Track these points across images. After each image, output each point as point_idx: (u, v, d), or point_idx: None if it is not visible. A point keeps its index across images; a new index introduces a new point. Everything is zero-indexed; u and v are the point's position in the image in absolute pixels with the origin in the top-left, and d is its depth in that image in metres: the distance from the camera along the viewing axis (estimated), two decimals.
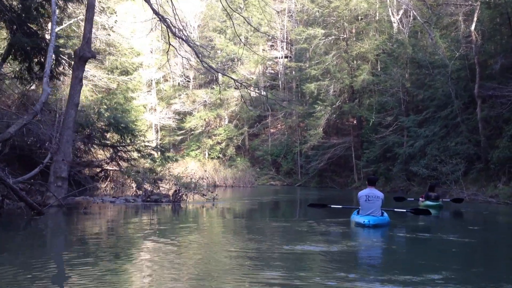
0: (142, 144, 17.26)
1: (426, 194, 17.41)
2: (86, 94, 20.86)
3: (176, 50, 16.18)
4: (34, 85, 18.11)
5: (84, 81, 22.59)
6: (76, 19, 21.93)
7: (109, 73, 26.83)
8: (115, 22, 21.96)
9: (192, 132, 48.71)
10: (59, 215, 11.96)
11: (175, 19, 12.07)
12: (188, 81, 51.40)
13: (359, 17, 37.96)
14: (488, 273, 6.15)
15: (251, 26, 30.82)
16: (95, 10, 14.93)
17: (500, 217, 15.10)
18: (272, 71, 54.64)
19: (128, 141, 16.98)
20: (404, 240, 9.31)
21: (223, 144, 46.76)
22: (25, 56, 14.64)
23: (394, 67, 31.04)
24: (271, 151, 45.45)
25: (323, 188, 36.10)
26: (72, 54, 13.94)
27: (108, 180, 18.97)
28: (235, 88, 48.28)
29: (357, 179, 35.58)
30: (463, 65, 25.14)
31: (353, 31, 38.06)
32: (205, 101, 47.89)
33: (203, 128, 48.01)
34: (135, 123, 29.49)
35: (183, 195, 15.06)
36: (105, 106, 16.97)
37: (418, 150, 25.54)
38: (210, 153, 46.91)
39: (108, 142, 17.06)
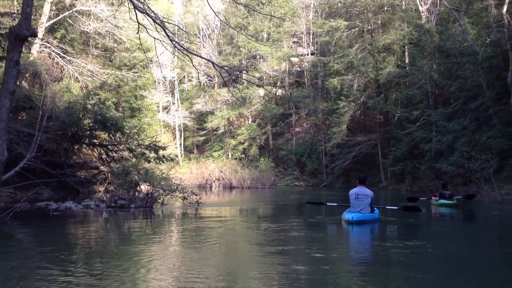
0: (135, 143, 15.81)
1: (441, 193, 16.78)
2: (78, 90, 19.66)
3: (159, 39, 14.38)
4: None
5: (79, 77, 21.60)
6: None
7: (117, 70, 25.70)
8: (113, 14, 20.83)
9: (215, 132, 47.53)
10: None
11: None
12: (210, 80, 50.14)
13: (385, 7, 35.87)
14: None
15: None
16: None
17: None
18: (299, 69, 52.81)
19: (119, 139, 15.60)
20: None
21: (246, 144, 45.35)
22: None
23: (421, 58, 28.93)
24: (295, 150, 43.78)
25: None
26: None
27: (107, 182, 17.56)
28: (258, 86, 47.14)
29: (384, 178, 33.54)
30: (494, 52, 22.93)
31: (379, 22, 35.93)
32: (227, 100, 46.55)
33: (226, 128, 46.69)
34: (142, 120, 28.43)
35: (158, 199, 13.58)
36: (92, 102, 15.49)
37: (447, 146, 23.37)
38: (233, 153, 45.58)
39: (96, 141, 15.70)
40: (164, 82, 48.86)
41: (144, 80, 27.56)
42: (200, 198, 14.46)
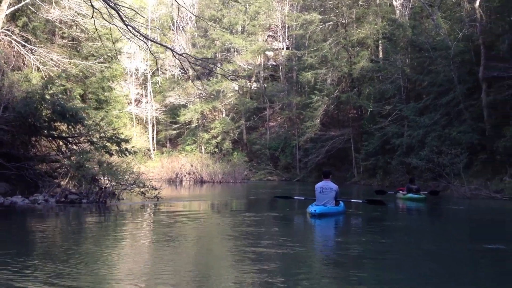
0: (96, 135, 15.13)
1: (408, 187, 17.01)
2: (38, 80, 18.80)
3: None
4: None
5: (41, 67, 20.78)
6: None
7: (83, 60, 24.85)
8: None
9: (188, 126, 46.79)
10: None
11: None
12: (184, 73, 49.34)
13: (359, 1, 35.64)
14: None
15: None
16: None
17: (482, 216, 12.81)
18: (274, 63, 52.34)
19: (79, 131, 14.90)
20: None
21: (219, 138, 44.80)
22: None
23: (394, 53, 28.81)
24: (269, 144, 43.42)
25: None
26: None
27: (69, 176, 16.80)
28: (226, 77, 46.60)
29: (356, 173, 33.42)
30: (467, 47, 22.83)
31: (353, 16, 35.70)
32: (201, 93, 45.85)
33: (199, 121, 46.02)
34: (110, 113, 27.63)
35: (113, 194, 12.96)
36: (51, 91, 14.73)
37: (418, 141, 23.25)
38: (206, 147, 44.99)
39: (55, 133, 14.97)
40: (137, 74, 47.93)
41: (112, 71, 26.72)
42: (159, 192, 13.84)
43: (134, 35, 8.81)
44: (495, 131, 19.96)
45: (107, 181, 13.21)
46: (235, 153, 44.08)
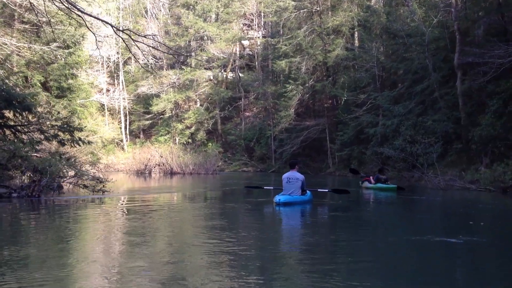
0: (48, 123, 14.03)
1: (377, 177, 17.04)
2: None
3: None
4: None
5: None
6: None
7: (44, 45, 23.56)
8: None
9: (161, 116, 45.55)
10: None
11: None
12: (157, 62, 48.04)
13: None
14: None
15: None
16: None
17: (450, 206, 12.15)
18: (250, 52, 51.28)
19: (27, 118, 13.78)
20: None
21: (193, 129, 43.74)
22: None
23: (369, 40, 28.11)
24: (244, 135, 42.51)
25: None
26: None
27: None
28: (205, 69, 45.51)
29: (332, 164, 32.78)
30: (442, 33, 22.27)
31: (328, 3, 34.91)
32: (174, 82, 44.65)
33: (172, 111, 44.80)
34: (74, 102, 26.43)
35: (60, 187, 11.81)
36: None
37: (392, 130, 22.60)
38: (180, 138, 43.86)
39: (1, 121, 13.83)
40: (108, 63, 46.46)
41: (76, 58, 25.43)
42: (104, 186, 12.56)
43: (72, 10, 7.79)
44: (471, 119, 19.41)
45: (36, 175, 11.78)
46: (210, 144, 43.10)
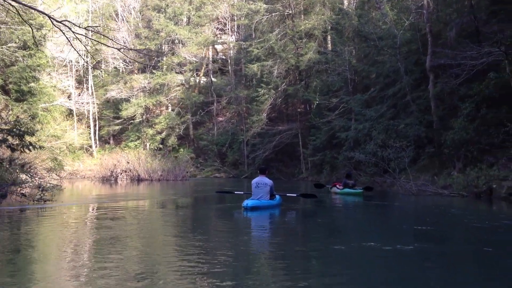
0: None
1: (344, 182, 17.12)
2: None
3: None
4: None
5: None
6: None
7: (2, 46, 22.47)
8: None
9: (131, 121, 44.38)
10: None
11: None
12: (127, 66, 46.92)
13: None
14: None
15: None
16: None
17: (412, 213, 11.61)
18: (224, 57, 50.55)
19: None
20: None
21: (164, 134, 42.75)
22: None
23: (340, 43, 27.68)
24: (216, 140, 41.73)
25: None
26: None
27: None
28: (177, 73, 44.58)
29: (305, 169, 32.22)
30: (413, 36, 21.92)
31: (300, 6, 34.46)
32: (145, 87, 43.62)
33: (143, 116, 43.71)
34: (35, 106, 25.33)
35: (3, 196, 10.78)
36: None
37: (364, 135, 22.11)
38: (150, 143, 42.79)
39: None
40: (77, 67, 45.08)
41: (37, 60, 24.31)
42: (44, 194, 11.33)
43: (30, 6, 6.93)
44: (443, 123, 19.00)
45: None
46: (181, 149, 42.22)
